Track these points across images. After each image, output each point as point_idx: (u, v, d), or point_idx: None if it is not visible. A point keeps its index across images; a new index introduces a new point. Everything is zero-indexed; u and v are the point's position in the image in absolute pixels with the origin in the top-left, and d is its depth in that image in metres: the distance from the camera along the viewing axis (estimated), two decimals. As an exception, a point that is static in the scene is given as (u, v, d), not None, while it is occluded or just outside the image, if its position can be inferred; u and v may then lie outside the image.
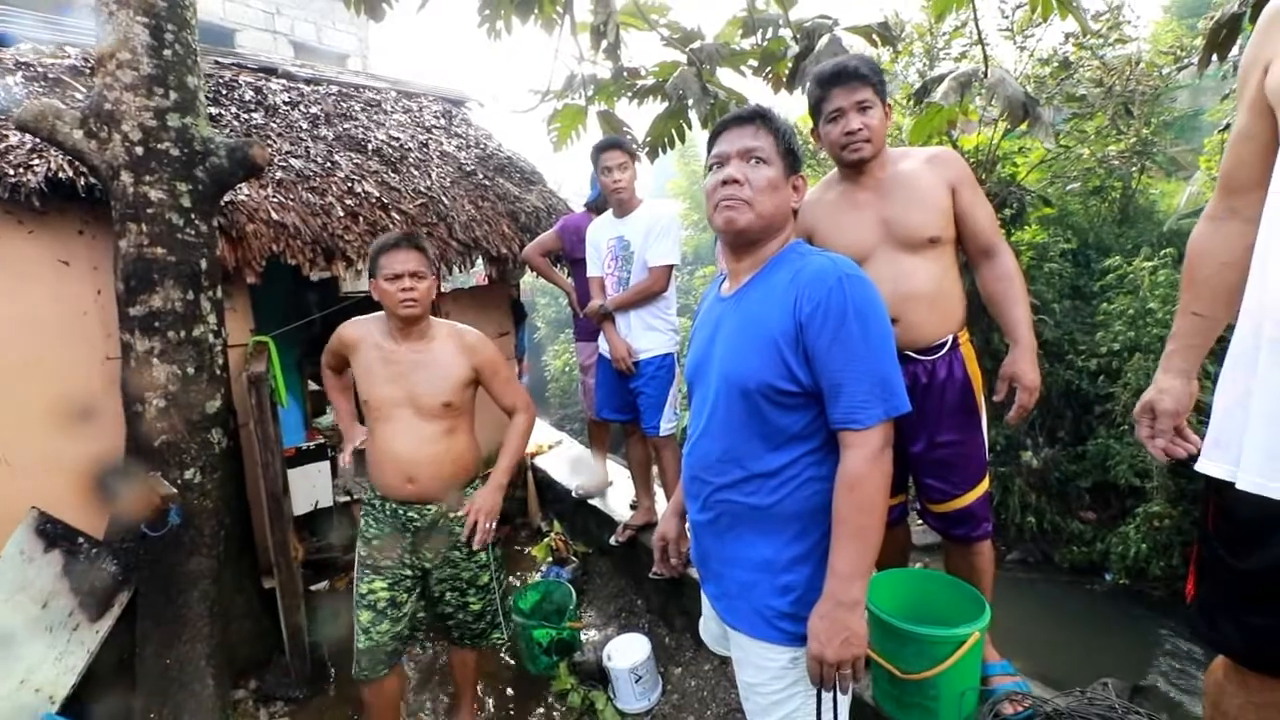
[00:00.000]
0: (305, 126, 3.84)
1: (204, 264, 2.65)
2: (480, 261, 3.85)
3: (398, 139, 4.14)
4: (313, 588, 3.34)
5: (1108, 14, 6.45)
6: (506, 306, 4.38)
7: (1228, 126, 4.21)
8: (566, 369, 11.45)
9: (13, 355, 2.65)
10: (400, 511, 2.04)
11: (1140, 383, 5.19)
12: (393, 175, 3.78)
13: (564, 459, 4.47)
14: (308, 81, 4.37)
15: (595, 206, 3.29)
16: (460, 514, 2.04)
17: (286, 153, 3.50)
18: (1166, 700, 4.25)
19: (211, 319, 2.69)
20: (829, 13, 2.62)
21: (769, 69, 2.82)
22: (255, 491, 2.92)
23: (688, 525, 1.47)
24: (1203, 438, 1.09)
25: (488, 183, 4.18)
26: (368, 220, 3.36)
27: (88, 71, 3.17)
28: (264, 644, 2.92)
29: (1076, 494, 6.03)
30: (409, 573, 2.09)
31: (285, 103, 3.97)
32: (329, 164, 3.58)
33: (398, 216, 3.50)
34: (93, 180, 2.60)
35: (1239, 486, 0.95)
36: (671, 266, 2.72)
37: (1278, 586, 0.95)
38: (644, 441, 2.99)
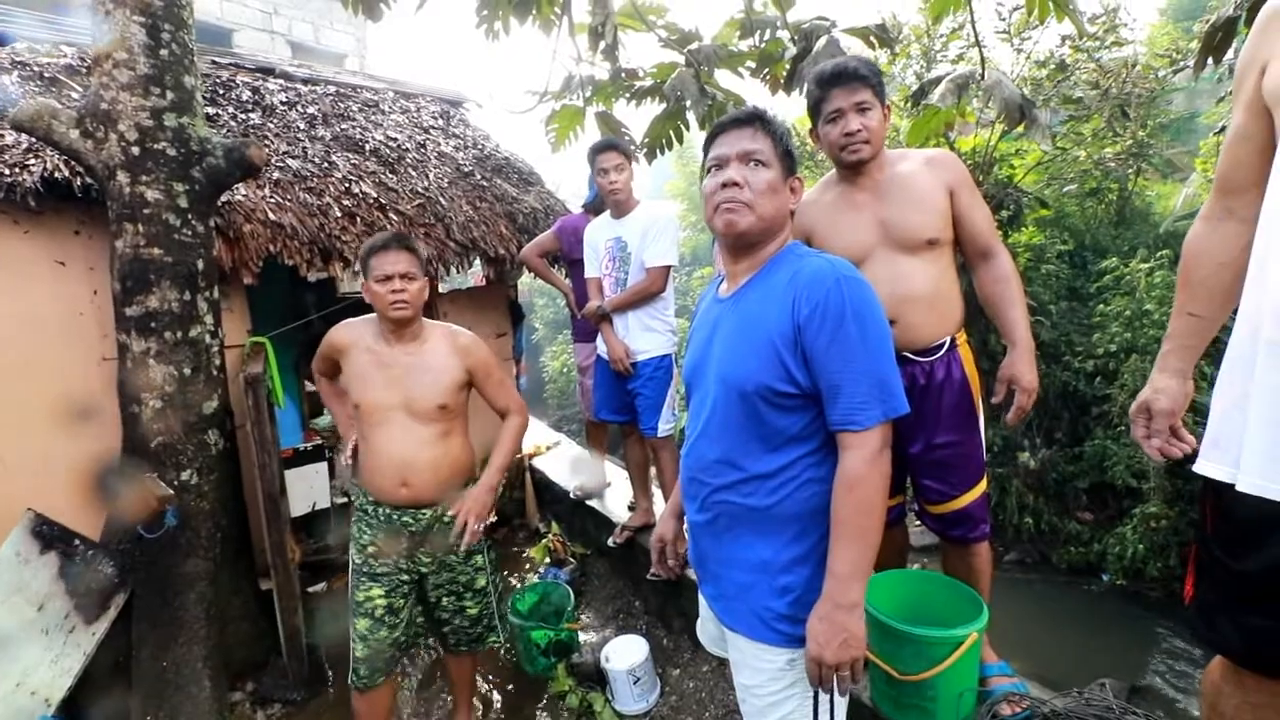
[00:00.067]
0: (302, 127, 3.83)
1: (201, 264, 2.64)
2: (478, 262, 3.84)
3: (395, 139, 4.14)
4: (310, 589, 3.33)
5: (1104, 17, 6.47)
6: (504, 307, 4.37)
7: (1223, 129, 4.22)
8: (564, 370, 11.44)
9: (9, 356, 2.64)
10: (395, 517, 2.02)
11: (1137, 384, 5.20)
12: (390, 176, 3.78)
13: (562, 460, 4.47)
14: (305, 81, 4.36)
15: (593, 207, 3.29)
16: (452, 513, 2.03)
17: (284, 153, 3.50)
18: (1164, 700, 4.25)
19: (208, 319, 2.69)
20: (827, 14, 2.63)
21: (767, 70, 2.82)
22: (252, 493, 2.91)
23: (685, 526, 1.47)
24: (1199, 438, 1.09)
25: (485, 183, 4.18)
26: (365, 221, 3.36)
27: (84, 71, 3.16)
28: (261, 646, 2.90)
29: (1074, 495, 6.04)
30: (406, 578, 2.07)
31: (282, 103, 3.96)
32: (326, 164, 3.58)
33: (395, 217, 3.50)
34: (89, 180, 2.59)
35: (1239, 488, 0.95)
36: (669, 267, 2.72)
37: (1276, 587, 0.95)
38: (642, 443, 2.99)
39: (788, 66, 2.67)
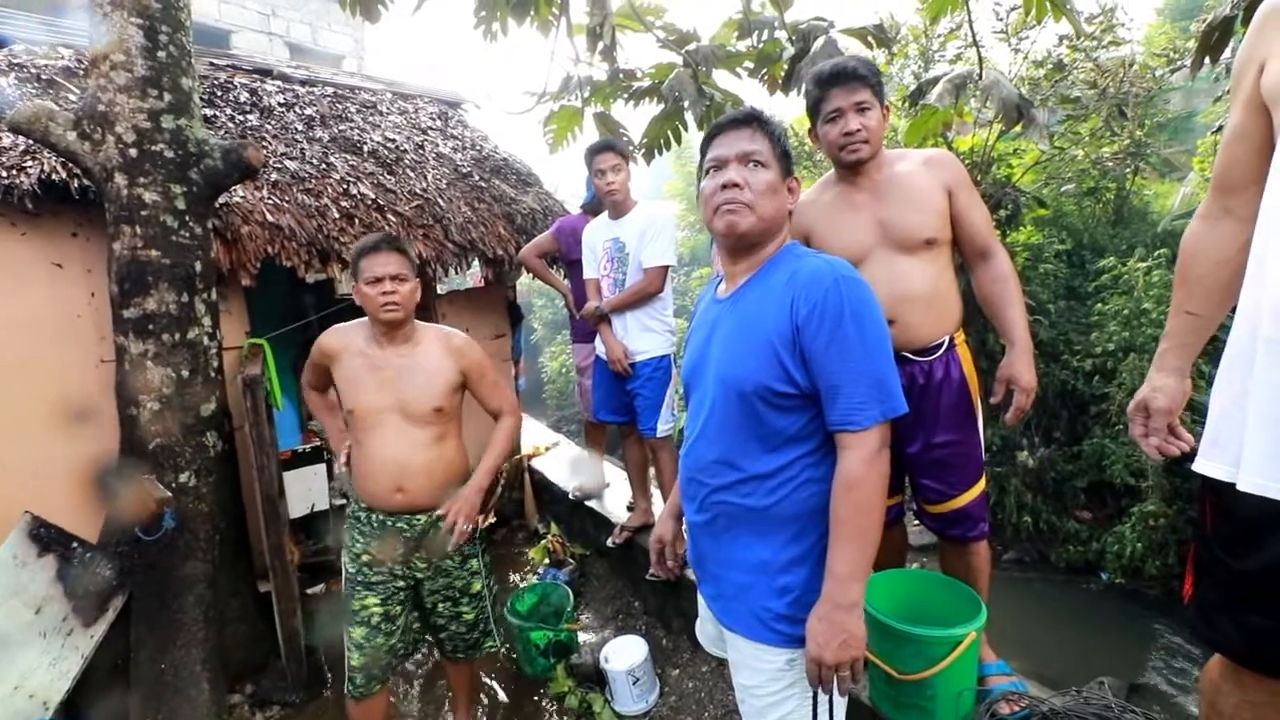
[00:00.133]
0: (300, 128, 3.83)
1: (199, 266, 2.64)
2: (476, 263, 3.84)
3: (393, 140, 4.14)
4: (309, 591, 3.32)
5: (1101, 16, 6.48)
6: (503, 308, 4.37)
7: (1221, 128, 4.23)
8: (563, 371, 11.44)
9: (6, 359, 2.63)
10: (389, 523, 1.99)
11: (1135, 382, 5.20)
12: (388, 177, 3.78)
13: (561, 461, 4.46)
14: (303, 83, 4.36)
15: (591, 208, 3.29)
16: (441, 513, 1.99)
17: (282, 154, 3.50)
18: (1163, 698, 4.26)
19: (206, 321, 2.68)
20: (824, 15, 2.63)
21: (765, 71, 2.82)
22: (251, 495, 2.91)
23: (684, 527, 1.47)
24: (1197, 437, 1.09)
25: (484, 184, 4.17)
26: (363, 222, 3.35)
27: (82, 73, 3.16)
28: (260, 648, 2.90)
29: (1072, 493, 6.05)
30: (401, 584, 2.04)
31: (280, 104, 3.96)
32: (324, 166, 3.58)
33: (393, 218, 3.49)
34: (86, 182, 2.59)
35: (1240, 487, 0.95)
36: (666, 267, 2.72)
37: (1276, 586, 0.95)
38: (641, 443, 2.98)
39: (785, 67, 2.68)
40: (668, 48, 2.85)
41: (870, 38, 2.68)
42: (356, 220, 3.34)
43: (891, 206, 1.71)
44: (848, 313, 1.12)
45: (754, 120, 1.23)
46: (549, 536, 3.75)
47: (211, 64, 4.02)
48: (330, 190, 3.41)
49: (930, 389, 1.73)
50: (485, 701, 2.76)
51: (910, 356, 1.73)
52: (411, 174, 3.91)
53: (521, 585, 3.39)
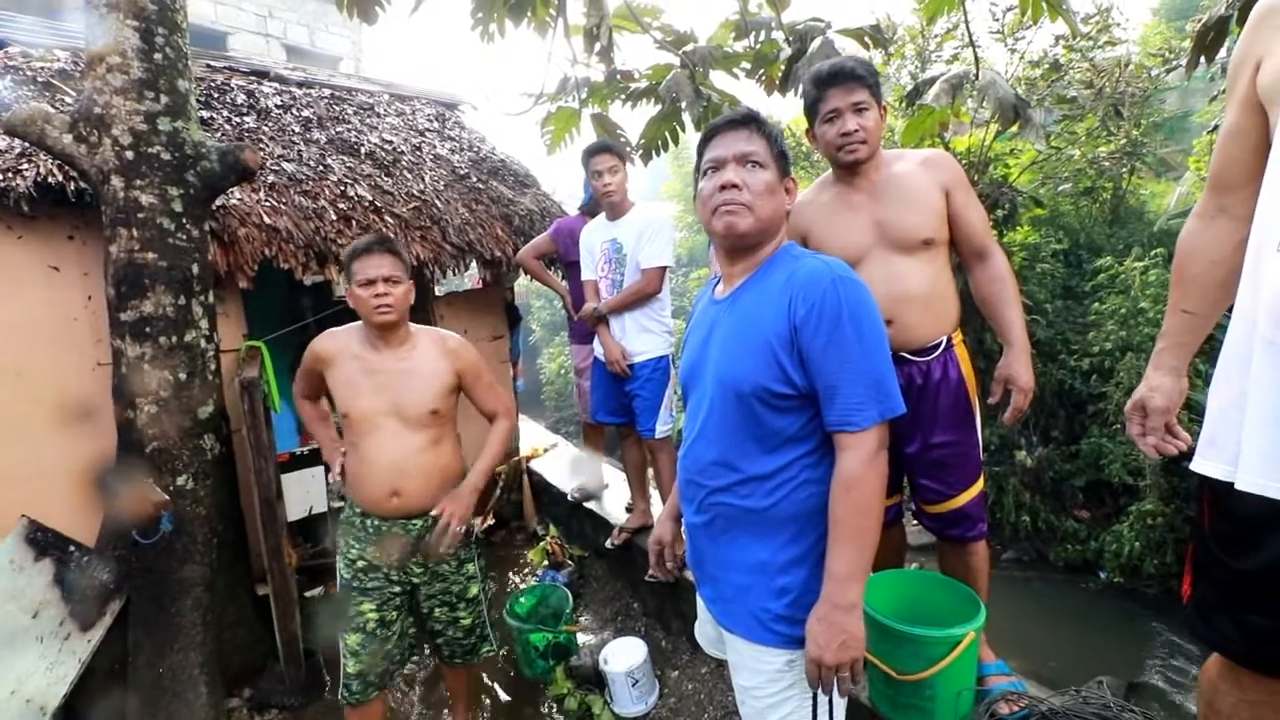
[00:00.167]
0: (298, 130, 3.82)
1: (196, 269, 2.63)
2: (474, 265, 3.84)
3: (391, 142, 4.14)
4: (307, 594, 3.31)
5: (1097, 16, 6.49)
6: (501, 310, 4.37)
7: (1216, 127, 4.24)
8: (562, 372, 11.44)
9: (2, 362, 2.63)
10: (384, 528, 1.97)
11: (1132, 382, 5.22)
12: (386, 179, 3.77)
13: (560, 462, 4.46)
14: (300, 85, 4.36)
15: (589, 209, 3.29)
16: (435, 513, 1.97)
17: (279, 156, 3.49)
18: (1162, 697, 4.26)
19: (203, 324, 2.68)
20: (821, 16, 2.64)
21: (762, 71, 2.83)
22: (248, 497, 2.90)
23: (683, 528, 1.47)
24: (1194, 435, 1.09)
25: (481, 186, 4.17)
26: (361, 224, 3.35)
27: (78, 75, 3.15)
28: (258, 651, 2.89)
29: (1070, 493, 6.06)
30: (397, 589, 2.02)
31: (277, 106, 3.96)
32: (322, 167, 3.57)
33: (391, 220, 3.49)
34: (83, 185, 2.58)
35: (1238, 487, 0.95)
36: (664, 268, 2.72)
37: (1275, 586, 0.95)
38: (640, 444, 2.98)
39: (783, 67, 2.68)
40: (665, 48, 2.85)
41: (867, 38, 2.68)
42: (354, 222, 3.34)
43: (889, 207, 1.71)
44: (845, 313, 1.12)
45: (751, 121, 1.23)
46: (548, 538, 3.74)
47: (208, 66, 4.02)
48: (327, 192, 3.41)
49: (928, 389, 1.73)
50: (484, 703, 2.76)
51: (908, 357, 1.73)
52: (409, 175, 3.91)
53: (520, 587, 3.39)
